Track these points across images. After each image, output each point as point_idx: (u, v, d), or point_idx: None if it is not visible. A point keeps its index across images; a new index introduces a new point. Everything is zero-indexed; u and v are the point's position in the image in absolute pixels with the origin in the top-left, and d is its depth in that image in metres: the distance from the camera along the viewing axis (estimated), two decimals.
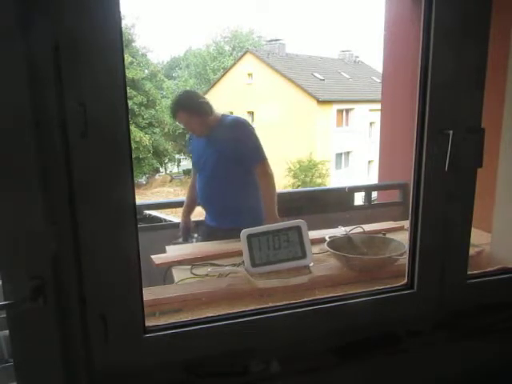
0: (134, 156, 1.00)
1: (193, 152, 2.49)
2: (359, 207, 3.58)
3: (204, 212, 2.45)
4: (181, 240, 2.37)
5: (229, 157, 2.27)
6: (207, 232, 2.39)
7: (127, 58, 15.98)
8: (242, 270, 1.57)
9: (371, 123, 14.92)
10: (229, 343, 1.06)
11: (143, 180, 16.88)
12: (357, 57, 17.93)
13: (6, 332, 0.90)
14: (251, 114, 15.69)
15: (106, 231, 0.91)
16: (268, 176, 2.28)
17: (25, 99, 0.80)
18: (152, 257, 1.88)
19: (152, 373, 1.01)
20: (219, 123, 2.31)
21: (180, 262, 1.82)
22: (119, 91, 0.86)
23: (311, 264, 1.57)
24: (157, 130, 16.54)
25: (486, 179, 1.22)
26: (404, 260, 1.32)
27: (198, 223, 2.48)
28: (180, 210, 2.62)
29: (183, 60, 22.71)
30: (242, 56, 16.53)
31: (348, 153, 15.57)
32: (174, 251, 2.03)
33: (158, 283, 1.65)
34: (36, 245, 0.85)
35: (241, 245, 1.59)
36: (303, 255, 1.56)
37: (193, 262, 1.81)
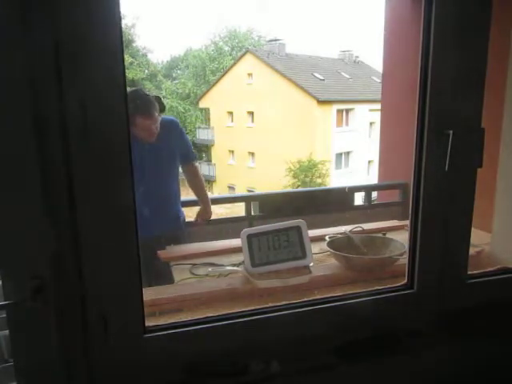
0: None
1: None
2: (359, 207, 3.58)
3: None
4: None
5: (172, 158, 2.27)
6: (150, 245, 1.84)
7: (127, 59, 15.98)
8: (242, 269, 1.57)
9: (371, 123, 14.91)
10: (229, 343, 1.06)
11: None
12: (357, 57, 17.90)
13: (6, 332, 0.90)
14: (251, 113, 15.70)
15: (106, 231, 0.91)
16: (200, 173, 2.47)
17: (25, 99, 0.80)
18: (159, 252, 1.90)
19: (152, 373, 1.01)
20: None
21: (185, 257, 1.84)
22: (119, 91, 0.86)
23: (311, 264, 1.57)
24: None
25: (485, 179, 1.22)
26: (404, 260, 1.32)
27: None
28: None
29: (183, 60, 22.71)
30: (242, 56, 16.52)
31: (348, 153, 15.56)
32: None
33: None
34: (36, 245, 0.85)
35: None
36: (303, 255, 1.55)
37: (198, 256, 1.84)
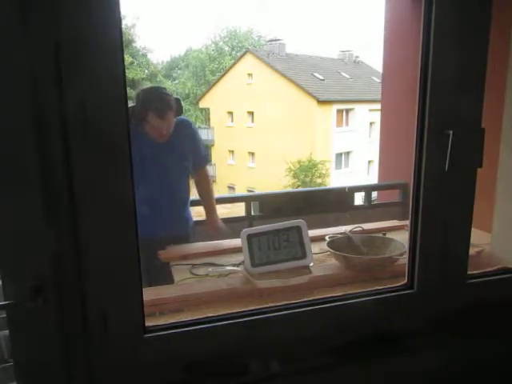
0: None
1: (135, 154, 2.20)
2: (359, 207, 3.57)
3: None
4: None
5: (181, 160, 2.17)
6: (151, 247, 1.89)
7: (127, 59, 16.01)
8: (242, 269, 1.57)
9: (371, 123, 14.92)
10: (229, 343, 1.06)
11: None
12: (357, 57, 17.92)
13: (6, 332, 0.90)
14: (251, 114, 15.70)
15: (106, 231, 0.91)
16: (210, 178, 2.34)
17: (25, 99, 0.80)
18: (159, 252, 1.90)
19: (152, 373, 1.01)
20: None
21: (185, 257, 1.84)
22: (119, 91, 0.86)
23: (311, 264, 1.57)
24: None
25: (485, 179, 1.22)
26: (404, 260, 1.32)
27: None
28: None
29: (183, 60, 22.72)
30: (242, 56, 16.52)
31: (348, 153, 15.57)
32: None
33: None
34: (36, 245, 0.85)
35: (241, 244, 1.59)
36: (303, 255, 1.55)
37: (198, 256, 1.84)
